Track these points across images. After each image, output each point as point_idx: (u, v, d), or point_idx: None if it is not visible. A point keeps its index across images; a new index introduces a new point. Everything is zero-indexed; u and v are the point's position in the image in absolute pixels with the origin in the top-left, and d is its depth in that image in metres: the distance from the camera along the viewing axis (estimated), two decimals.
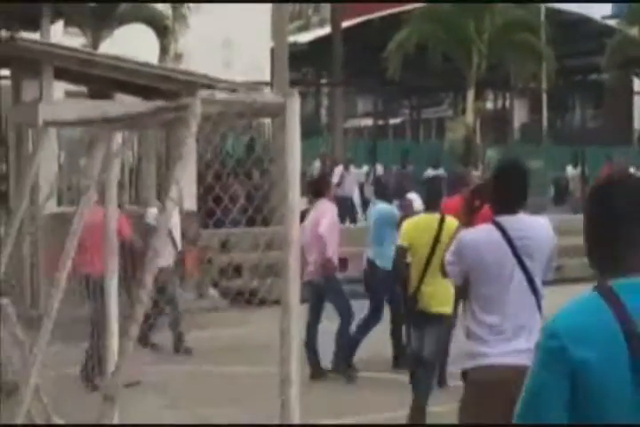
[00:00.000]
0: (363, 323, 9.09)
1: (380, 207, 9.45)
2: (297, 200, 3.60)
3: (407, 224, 7.60)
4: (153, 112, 4.06)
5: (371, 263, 9.27)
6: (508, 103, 41.41)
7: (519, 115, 43.14)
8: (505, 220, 4.52)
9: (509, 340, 4.41)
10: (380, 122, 46.11)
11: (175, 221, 10.17)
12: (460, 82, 25.17)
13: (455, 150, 22.93)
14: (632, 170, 21.61)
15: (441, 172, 19.42)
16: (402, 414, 6.80)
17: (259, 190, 14.08)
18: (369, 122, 44.88)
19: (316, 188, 9.24)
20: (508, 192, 4.59)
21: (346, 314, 8.98)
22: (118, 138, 4.73)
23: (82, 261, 7.47)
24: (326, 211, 9.01)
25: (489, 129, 36.85)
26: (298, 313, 3.53)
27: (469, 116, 23.86)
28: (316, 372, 8.88)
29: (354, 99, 50.40)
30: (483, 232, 4.60)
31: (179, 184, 3.55)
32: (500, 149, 28.05)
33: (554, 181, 21.88)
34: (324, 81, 36.10)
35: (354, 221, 19.64)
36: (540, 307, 4.52)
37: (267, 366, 3.77)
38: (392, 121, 47.51)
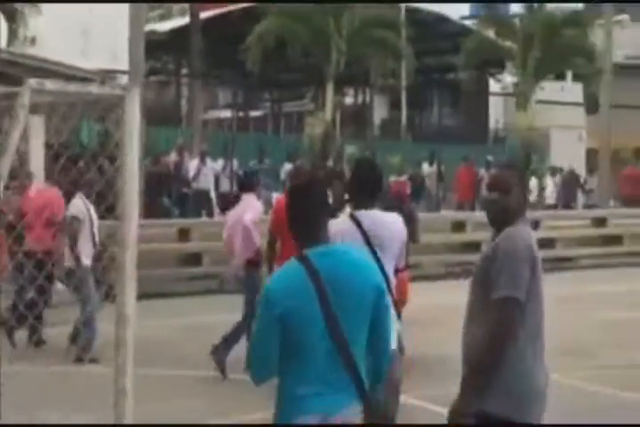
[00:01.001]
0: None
1: None
2: (135, 197, 3.38)
3: None
4: None
5: None
6: (368, 99, 41.72)
7: (379, 111, 43.54)
8: (360, 214, 5.18)
9: None
10: (241, 114, 45.79)
11: (94, 216, 9.85)
12: (319, 77, 25.15)
13: (314, 145, 22.92)
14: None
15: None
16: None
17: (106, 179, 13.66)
18: (230, 114, 44.50)
19: (244, 183, 9.29)
20: (363, 189, 5.22)
21: (250, 310, 8.79)
22: None
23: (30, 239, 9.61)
24: (253, 206, 9.10)
25: (349, 124, 37.07)
26: (134, 322, 3.31)
27: (328, 112, 23.86)
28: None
29: (215, 90, 49.88)
30: (342, 224, 5.16)
31: (4, 177, 3.29)
32: (359, 144, 28.20)
33: (410, 177, 22.11)
34: (184, 71, 35.57)
35: (210, 214, 19.37)
36: (390, 291, 5.01)
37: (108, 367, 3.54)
38: (253, 114, 47.24)
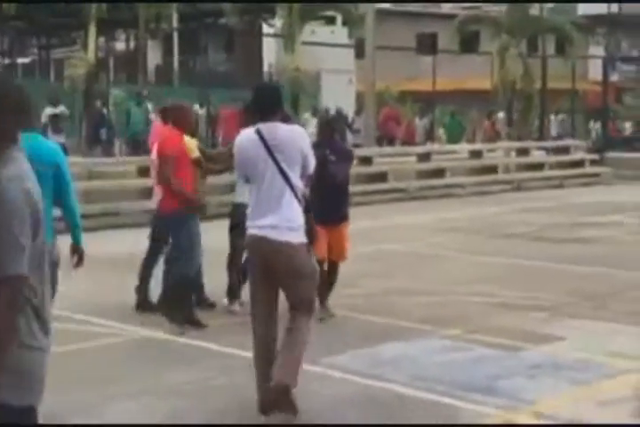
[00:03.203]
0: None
1: None
2: None
3: None
4: None
5: None
6: (143, 44, 40.91)
7: (154, 57, 42.83)
8: (262, 126, 5.83)
9: (258, 217, 5.75)
10: (8, 61, 44.07)
11: None
12: (84, 19, 24.37)
13: (76, 87, 22.30)
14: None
15: (62, 109, 18.87)
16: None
17: None
18: None
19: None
20: (264, 106, 5.88)
21: None
22: None
23: None
24: None
25: (123, 70, 36.32)
26: None
27: (91, 52, 23.24)
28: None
29: None
30: (246, 134, 5.92)
31: None
32: (127, 88, 27.70)
33: None
34: None
35: None
36: (295, 193, 5.72)
37: None
38: (21, 60, 45.64)
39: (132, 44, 41.52)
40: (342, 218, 8.67)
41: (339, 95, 32.42)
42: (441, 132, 28.48)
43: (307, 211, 5.88)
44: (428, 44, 26.53)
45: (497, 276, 10.92)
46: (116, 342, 7.88)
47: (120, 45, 43.60)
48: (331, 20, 35.98)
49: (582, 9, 44.35)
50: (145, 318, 8.52)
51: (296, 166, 5.79)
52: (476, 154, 23.07)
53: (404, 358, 7.30)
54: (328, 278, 8.71)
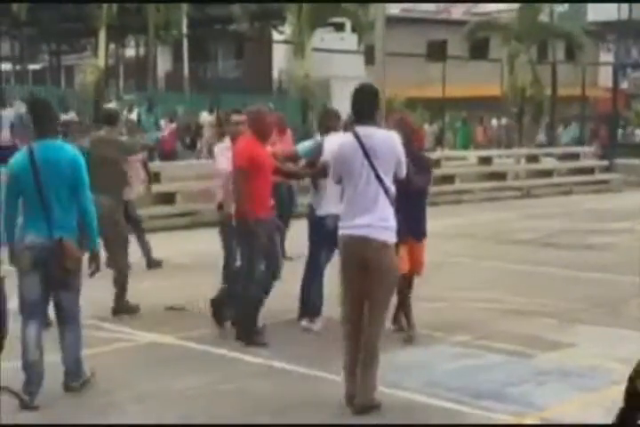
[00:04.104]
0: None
1: None
2: None
3: None
4: None
5: None
6: (153, 50, 41.02)
7: (164, 64, 42.94)
8: (359, 128, 6.03)
9: (354, 217, 5.96)
10: (19, 68, 44.24)
11: None
12: (95, 25, 24.42)
13: (87, 94, 22.33)
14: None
15: (72, 115, 18.94)
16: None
17: None
18: (7, 67, 42.88)
19: None
20: (362, 109, 6.05)
21: None
22: None
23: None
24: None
25: (133, 77, 36.42)
26: None
27: (101, 58, 23.29)
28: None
29: None
30: (344, 137, 6.22)
31: None
32: (140, 94, 27.79)
33: (191, 126, 22.04)
34: None
35: None
36: (389, 196, 5.94)
37: None
38: (32, 67, 45.78)
39: (141, 51, 41.61)
40: (423, 233, 8.07)
41: (349, 102, 32.41)
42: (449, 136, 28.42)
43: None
44: (437, 51, 26.56)
45: (506, 282, 10.92)
46: (127, 346, 7.90)
47: (130, 52, 43.72)
48: (340, 27, 36.00)
49: (592, 15, 44.28)
50: (155, 324, 8.53)
51: (390, 171, 6.01)
52: (486, 160, 23.06)
53: (413, 364, 7.31)
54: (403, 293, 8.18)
